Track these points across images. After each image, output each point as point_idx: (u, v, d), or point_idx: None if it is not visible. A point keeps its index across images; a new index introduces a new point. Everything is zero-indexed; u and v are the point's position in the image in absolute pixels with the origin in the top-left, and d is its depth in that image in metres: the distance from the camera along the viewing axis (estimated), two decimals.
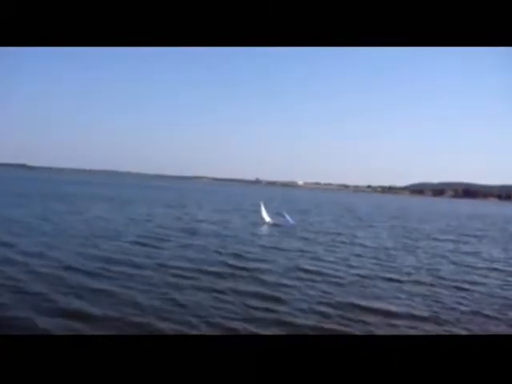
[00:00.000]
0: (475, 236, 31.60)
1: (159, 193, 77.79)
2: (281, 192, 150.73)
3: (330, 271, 14.81)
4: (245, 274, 13.54)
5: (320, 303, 10.73)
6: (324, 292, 11.88)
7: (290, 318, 9.40)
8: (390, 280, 13.99)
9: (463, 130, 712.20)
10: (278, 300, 10.83)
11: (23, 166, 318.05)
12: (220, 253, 17.05)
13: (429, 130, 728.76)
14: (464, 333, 9.18)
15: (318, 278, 13.55)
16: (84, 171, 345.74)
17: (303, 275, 13.88)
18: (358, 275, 14.40)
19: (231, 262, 15.37)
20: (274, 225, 29.50)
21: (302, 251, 18.83)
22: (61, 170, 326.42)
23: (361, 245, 22.41)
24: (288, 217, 30.26)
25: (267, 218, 30.53)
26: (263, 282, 12.61)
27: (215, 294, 10.95)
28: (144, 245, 17.75)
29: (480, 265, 18.28)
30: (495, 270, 17.37)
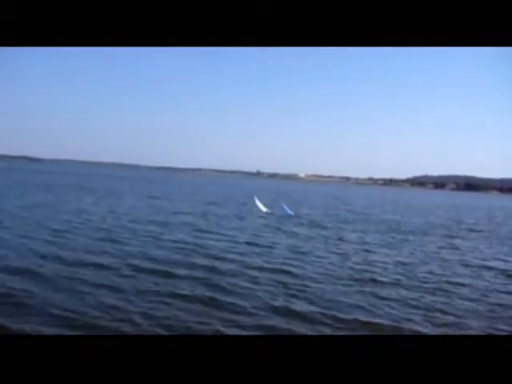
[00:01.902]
0: (469, 230, 31.02)
1: (152, 185, 76.95)
2: (280, 184, 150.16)
3: (298, 270, 13.75)
4: (199, 273, 12.49)
5: (271, 308, 9.82)
6: (286, 295, 10.88)
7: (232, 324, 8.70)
8: (357, 280, 12.93)
9: (464, 123, 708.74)
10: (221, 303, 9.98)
11: (26, 158, 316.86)
12: (182, 248, 16.17)
13: (430, 122, 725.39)
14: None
15: (283, 278, 12.59)
16: (88, 163, 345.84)
17: (267, 275, 12.87)
18: (327, 274, 13.44)
19: (189, 258, 14.37)
20: (269, 214, 31.89)
21: (276, 246, 18.02)
22: (65, 162, 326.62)
23: (342, 239, 21.46)
24: (285, 207, 33.18)
25: (263, 208, 33.17)
26: (215, 283, 11.61)
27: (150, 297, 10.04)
28: (108, 240, 16.94)
29: (466, 263, 17.21)
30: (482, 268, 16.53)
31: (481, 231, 30.84)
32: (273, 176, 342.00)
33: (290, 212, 32.40)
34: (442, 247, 21.22)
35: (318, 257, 16.39)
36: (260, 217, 30.26)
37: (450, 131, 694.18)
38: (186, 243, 17.32)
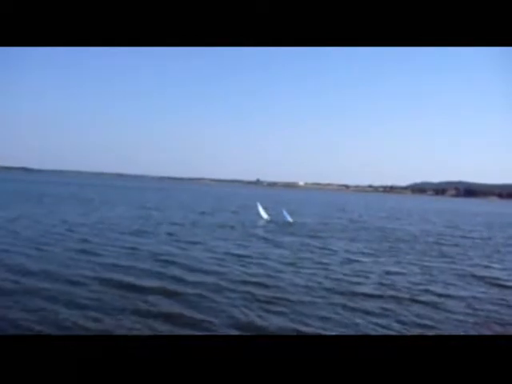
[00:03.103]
0: (463, 237, 29.92)
1: (148, 195, 75.35)
2: (278, 193, 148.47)
3: (275, 283, 12.76)
4: (167, 287, 11.60)
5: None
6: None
7: None
8: (335, 292, 12.01)
9: (464, 128, 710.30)
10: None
11: (24, 169, 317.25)
12: (158, 260, 15.21)
13: (430, 129, 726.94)
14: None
15: (257, 292, 11.66)
16: (89, 174, 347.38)
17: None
18: (306, 286, 12.61)
19: (162, 271, 13.41)
20: (270, 221, 32.70)
21: (260, 257, 17.02)
22: (65, 173, 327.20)
23: (331, 249, 20.41)
24: (286, 214, 33.96)
25: (264, 215, 34.34)
26: (182, 294, 10.93)
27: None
28: (83, 251, 16.22)
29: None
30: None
31: (475, 238, 29.88)
32: (272, 184, 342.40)
33: (289, 219, 33.06)
34: (432, 256, 20.19)
35: (301, 267, 15.56)
36: (253, 226, 29.69)
37: (450, 137, 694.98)
38: (164, 254, 16.50)
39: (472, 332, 9.39)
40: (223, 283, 12.56)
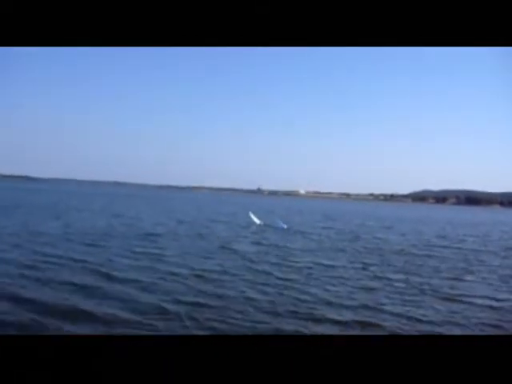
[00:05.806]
0: (451, 248, 27.74)
1: (134, 203, 72.69)
2: (276, 201, 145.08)
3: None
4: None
5: None
6: None
7: None
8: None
9: (465, 136, 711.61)
10: None
11: (26, 178, 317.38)
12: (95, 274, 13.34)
13: (430, 137, 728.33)
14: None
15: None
16: (88, 182, 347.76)
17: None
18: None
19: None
20: (264, 226, 34.52)
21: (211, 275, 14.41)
22: (64, 181, 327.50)
23: (295, 262, 18.22)
24: (280, 221, 35.68)
25: (257, 221, 36.58)
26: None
27: None
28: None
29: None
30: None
31: (460, 249, 27.44)
32: (273, 193, 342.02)
33: (283, 225, 34.03)
34: (406, 272, 17.31)
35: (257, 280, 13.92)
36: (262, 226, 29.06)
37: (451, 145, 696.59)
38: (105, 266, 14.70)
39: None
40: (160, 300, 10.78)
